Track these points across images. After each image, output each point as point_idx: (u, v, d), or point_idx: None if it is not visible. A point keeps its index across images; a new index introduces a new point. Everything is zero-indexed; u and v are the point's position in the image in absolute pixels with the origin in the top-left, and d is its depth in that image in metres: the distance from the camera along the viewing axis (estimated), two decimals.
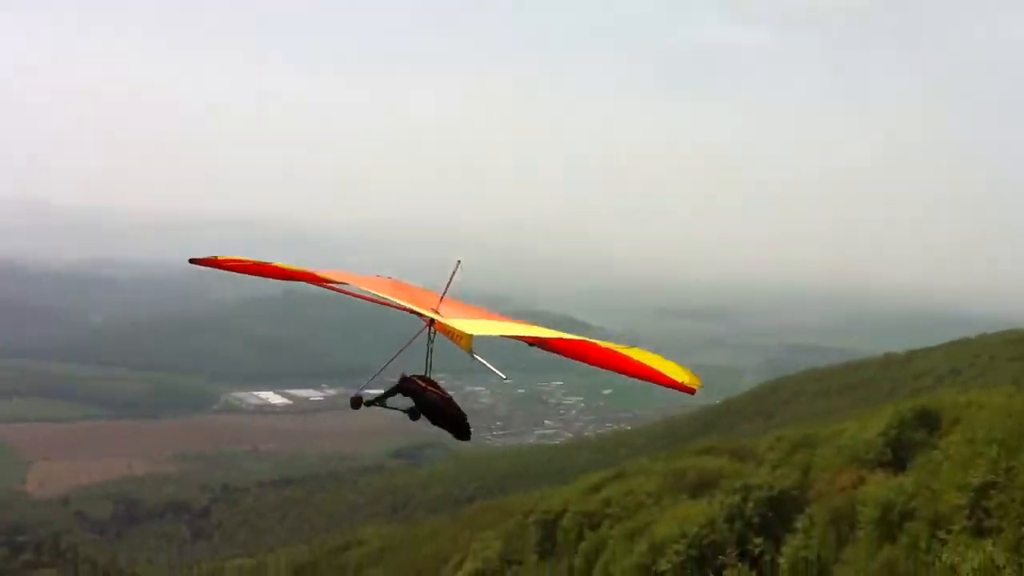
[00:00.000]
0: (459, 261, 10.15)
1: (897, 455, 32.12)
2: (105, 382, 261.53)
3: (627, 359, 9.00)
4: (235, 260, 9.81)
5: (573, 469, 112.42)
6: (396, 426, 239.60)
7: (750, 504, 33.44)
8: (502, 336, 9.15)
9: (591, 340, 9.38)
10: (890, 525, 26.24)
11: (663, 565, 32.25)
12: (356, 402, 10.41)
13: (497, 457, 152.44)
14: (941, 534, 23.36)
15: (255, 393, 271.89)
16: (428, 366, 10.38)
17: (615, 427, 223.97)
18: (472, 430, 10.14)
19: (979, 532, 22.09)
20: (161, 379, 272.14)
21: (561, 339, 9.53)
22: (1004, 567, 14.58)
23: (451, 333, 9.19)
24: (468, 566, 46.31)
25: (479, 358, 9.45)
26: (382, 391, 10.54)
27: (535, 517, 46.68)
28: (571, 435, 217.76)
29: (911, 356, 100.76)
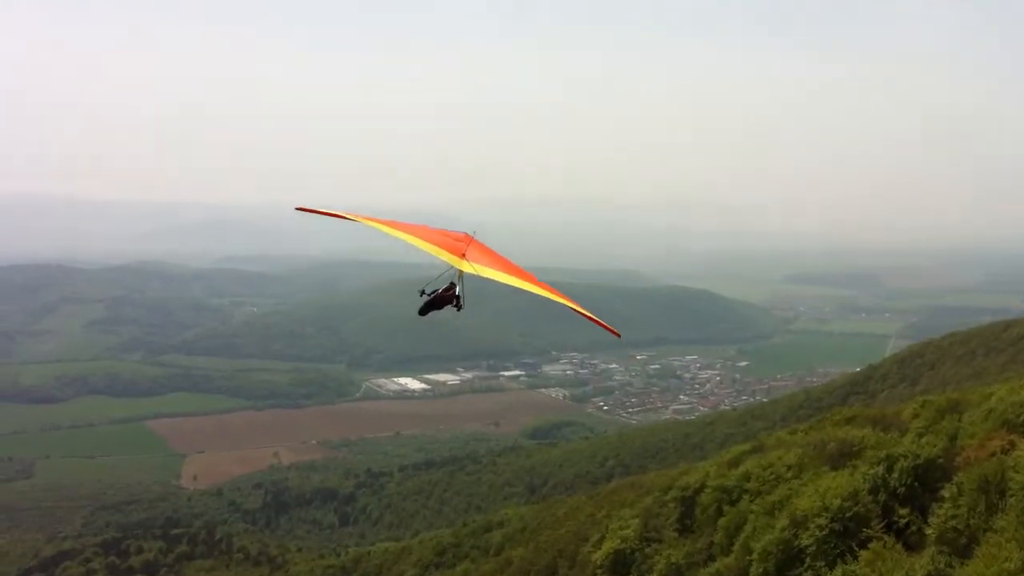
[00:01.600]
0: (474, 231, 13.96)
1: None
2: (250, 374, 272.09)
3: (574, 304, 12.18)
4: (330, 212, 13.12)
5: (711, 444, 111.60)
6: (533, 406, 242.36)
7: (894, 474, 32.34)
8: (491, 279, 12.35)
9: (555, 292, 12.28)
10: None
11: (805, 540, 31.51)
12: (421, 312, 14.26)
13: (633, 434, 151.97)
14: None
15: (395, 379, 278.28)
16: (461, 284, 13.65)
17: (751, 399, 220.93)
18: (462, 307, 13.75)
19: None
20: (303, 369, 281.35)
21: (539, 291, 12.42)
22: None
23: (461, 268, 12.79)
24: (607, 545, 46.17)
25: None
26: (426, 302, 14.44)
27: (673, 494, 46.24)
28: (707, 409, 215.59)
29: None
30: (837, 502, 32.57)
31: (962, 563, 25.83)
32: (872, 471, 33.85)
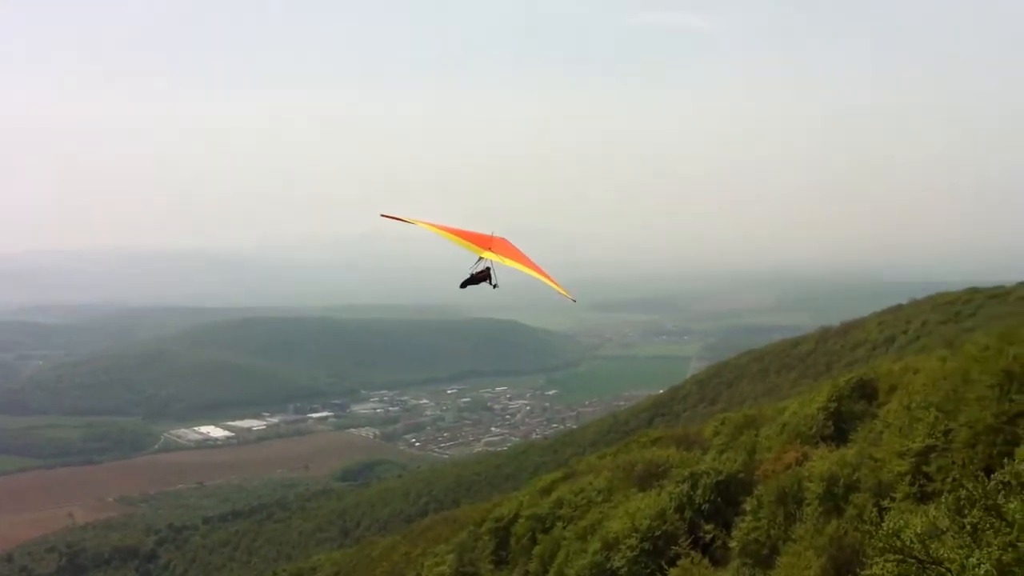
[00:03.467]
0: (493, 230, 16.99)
1: (839, 428, 32.21)
2: (39, 431, 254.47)
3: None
4: (410, 219, 16.69)
5: (523, 473, 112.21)
6: (344, 447, 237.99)
7: (699, 491, 33.26)
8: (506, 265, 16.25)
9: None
10: (836, 498, 26.20)
11: (617, 561, 31.89)
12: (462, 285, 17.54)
13: (446, 469, 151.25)
14: (885, 502, 23.32)
15: (196, 429, 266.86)
16: (491, 271, 17.15)
17: (562, 427, 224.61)
18: (497, 286, 17.28)
19: (922, 497, 22.08)
20: (97, 423, 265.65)
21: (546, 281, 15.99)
22: (947, 530, 14.36)
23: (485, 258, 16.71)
24: None
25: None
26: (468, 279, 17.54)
27: (487, 526, 46.12)
28: (519, 439, 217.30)
29: (846, 328, 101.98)
30: (646, 522, 33.20)
31: (765, 573, 26.69)
32: (678, 490, 34.74)
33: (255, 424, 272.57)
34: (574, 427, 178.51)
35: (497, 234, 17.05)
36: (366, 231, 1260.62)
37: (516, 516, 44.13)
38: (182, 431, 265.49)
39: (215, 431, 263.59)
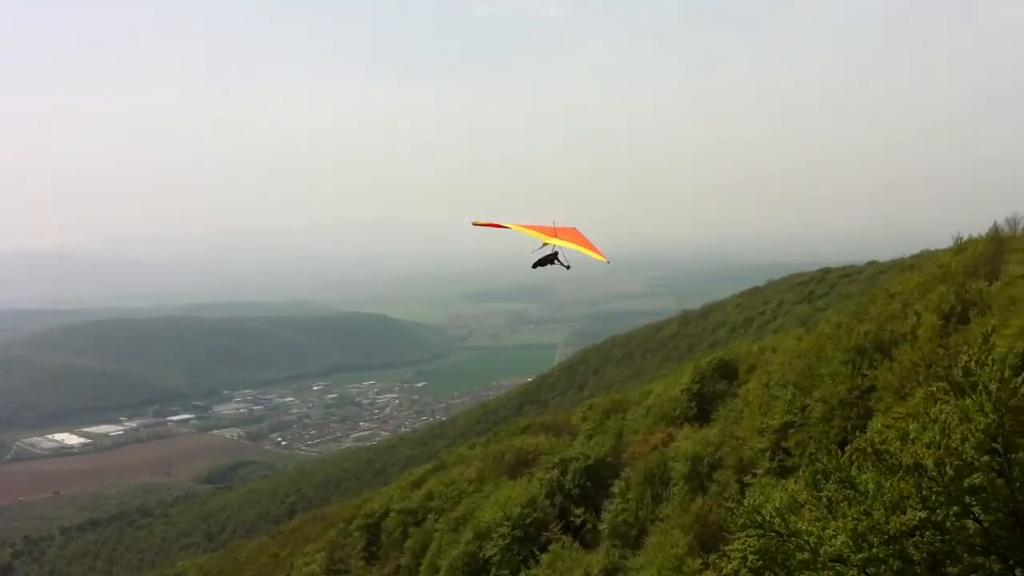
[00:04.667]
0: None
1: (702, 408, 33.00)
2: None
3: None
4: (503, 224, 18.04)
5: (394, 468, 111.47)
6: (207, 449, 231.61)
7: (568, 476, 33.59)
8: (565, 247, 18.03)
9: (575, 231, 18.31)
10: (700, 477, 26.81)
11: (489, 550, 31.94)
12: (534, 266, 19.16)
13: (314, 467, 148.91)
14: (747, 479, 23.98)
15: (49, 436, 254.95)
16: (558, 255, 18.81)
17: (431, 419, 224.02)
18: (569, 267, 18.71)
19: (782, 472, 22.79)
20: None
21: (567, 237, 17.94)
22: (805, 503, 14.82)
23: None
24: None
25: (561, 260, 18.76)
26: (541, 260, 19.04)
27: (358, 522, 45.57)
28: (388, 434, 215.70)
29: (707, 310, 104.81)
30: (517, 510, 33.40)
31: (634, 554, 27.14)
32: (548, 476, 35.06)
33: (112, 429, 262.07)
34: (444, 419, 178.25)
35: (566, 225, 19.12)
36: (226, 228, 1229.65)
37: (387, 511, 43.77)
38: (35, 439, 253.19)
39: (70, 438, 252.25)
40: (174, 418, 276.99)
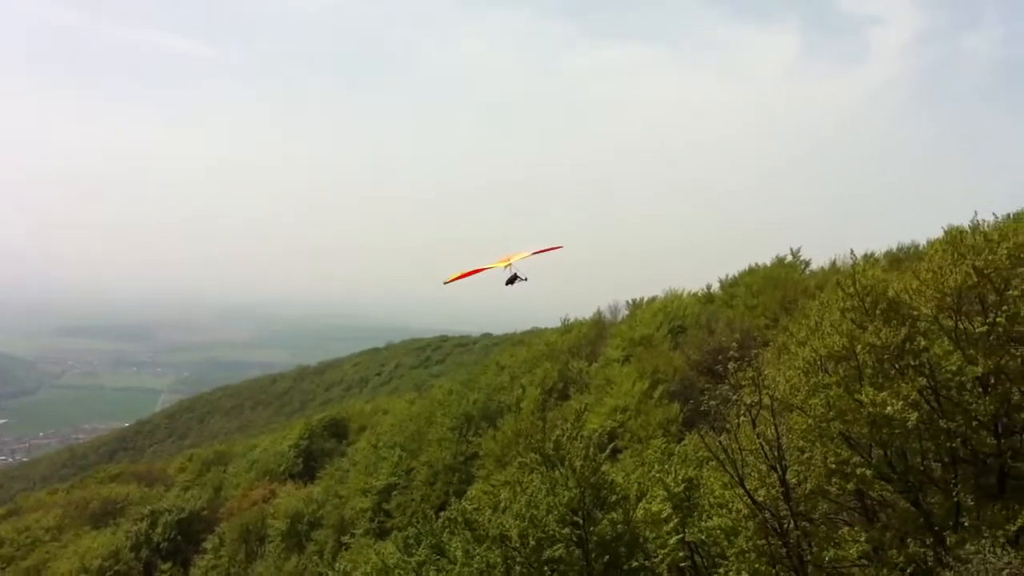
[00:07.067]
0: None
1: (308, 465, 32.81)
2: None
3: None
4: (485, 267, 22.62)
5: None
6: None
7: (158, 529, 31.93)
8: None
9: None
10: (299, 535, 26.52)
11: None
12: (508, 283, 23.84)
13: None
14: (346, 538, 24.03)
15: None
16: (516, 275, 23.16)
17: (11, 460, 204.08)
18: (526, 279, 23.26)
19: (381, 533, 23.11)
20: None
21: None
22: (395, 567, 15.09)
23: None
24: None
25: (520, 275, 23.02)
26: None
27: None
28: None
29: (323, 368, 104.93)
30: (97, 562, 31.09)
31: None
32: (135, 528, 33.02)
33: None
34: (25, 460, 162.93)
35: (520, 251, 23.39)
36: None
37: None
38: None
39: None
40: None
